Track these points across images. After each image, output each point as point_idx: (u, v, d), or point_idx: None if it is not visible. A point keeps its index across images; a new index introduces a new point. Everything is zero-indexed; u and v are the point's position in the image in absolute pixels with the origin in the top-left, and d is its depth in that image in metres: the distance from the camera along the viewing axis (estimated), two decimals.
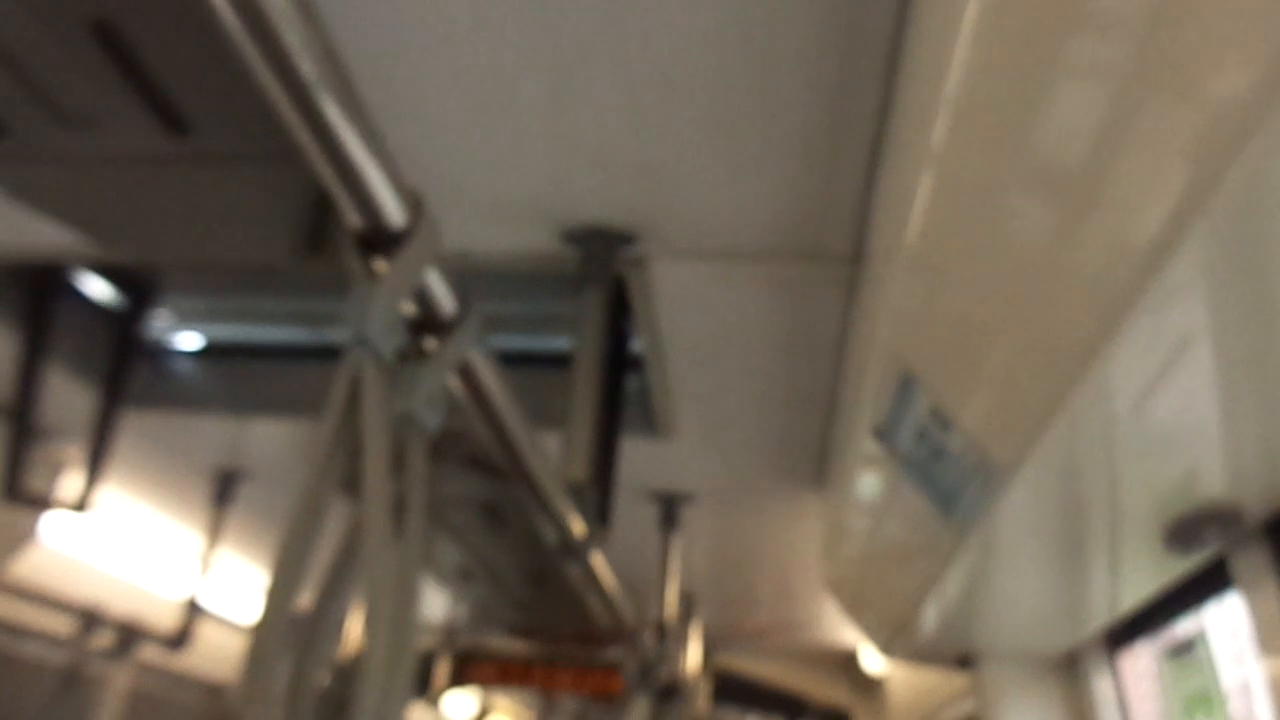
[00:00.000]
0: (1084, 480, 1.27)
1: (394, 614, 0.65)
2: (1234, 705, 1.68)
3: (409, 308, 0.77)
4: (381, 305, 0.64)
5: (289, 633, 0.62)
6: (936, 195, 1.10)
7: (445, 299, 0.78)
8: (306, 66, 0.55)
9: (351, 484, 0.71)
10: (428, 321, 0.79)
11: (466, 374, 0.87)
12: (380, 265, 0.71)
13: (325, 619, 0.66)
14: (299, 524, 0.60)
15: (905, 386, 1.39)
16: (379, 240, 0.69)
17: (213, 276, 2.41)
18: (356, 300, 0.64)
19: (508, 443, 1.02)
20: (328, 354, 2.50)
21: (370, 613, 0.59)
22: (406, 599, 0.66)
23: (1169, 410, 1.08)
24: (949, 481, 1.41)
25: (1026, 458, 1.21)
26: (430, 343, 0.81)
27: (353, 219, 0.68)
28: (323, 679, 0.67)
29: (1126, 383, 1.03)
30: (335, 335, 2.47)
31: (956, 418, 1.28)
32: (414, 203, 0.70)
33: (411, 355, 0.79)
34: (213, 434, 2.83)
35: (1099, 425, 1.12)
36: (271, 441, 2.90)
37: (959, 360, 1.24)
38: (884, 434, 1.57)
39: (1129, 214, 0.84)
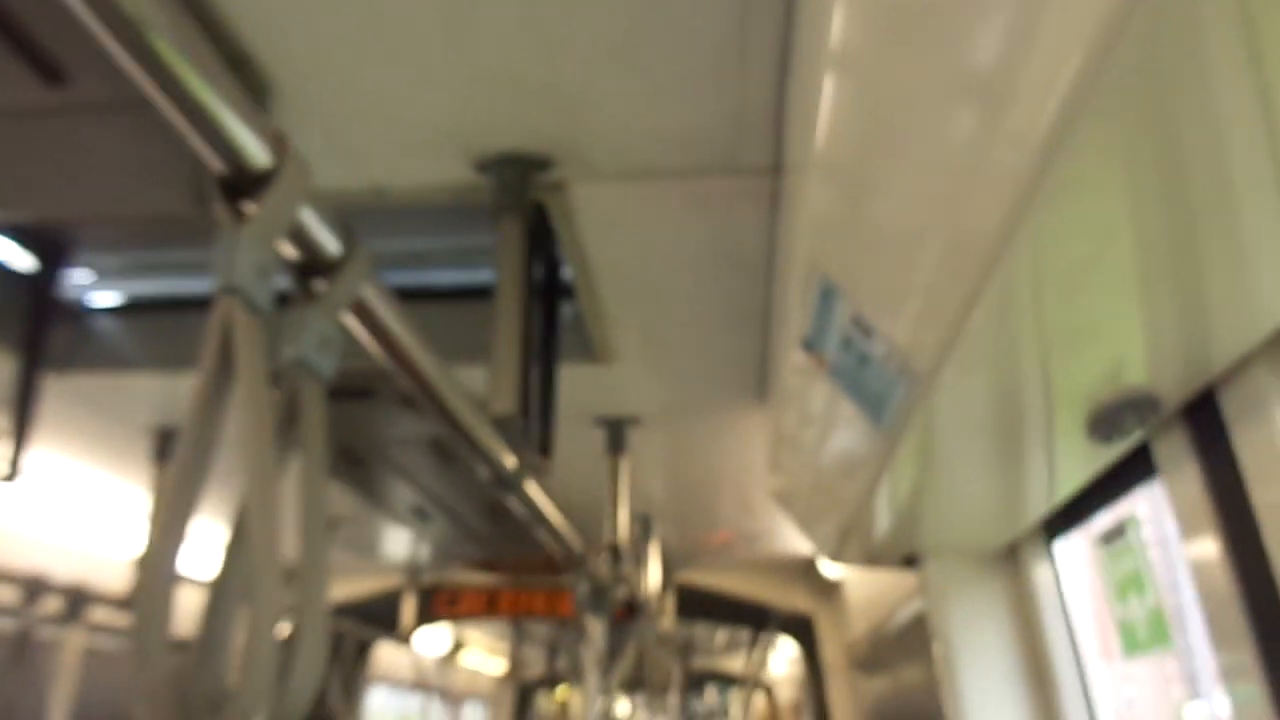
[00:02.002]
0: (1005, 377, 1.29)
1: (304, 562, 0.65)
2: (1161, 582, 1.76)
3: (289, 251, 0.75)
4: (249, 250, 0.62)
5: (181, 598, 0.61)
6: (841, 99, 1.09)
7: (327, 239, 0.76)
8: (134, 5, 0.52)
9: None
10: (312, 264, 0.77)
11: (362, 314, 0.85)
12: (248, 209, 0.68)
13: (227, 582, 0.65)
14: (177, 481, 0.59)
15: (826, 296, 1.39)
16: (243, 184, 0.67)
17: (127, 231, 2.33)
18: (222, 247, 0.62)
19: (419, 380, 1.01)
20: None
21: (259, 575, 0.58)
22: (312, 554, 0.65)
23: (1084, 303, 1.09)
24: (876, 388, 1.43)
25: (947, 360, 1.22)
26: (319, 285, 0.79)
27: (214, 164, 0.65)
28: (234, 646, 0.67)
29: (1039, 278, 1.03)
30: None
31: (877, 324, 1.28)
32: (278, 143, 0.68)
33: (299, 300, 0.78)
34: (146, 391, 2.77)
35: (1015, 322, 1.13)
36: None
37: (875, 266, 1.24)
38: (812, 345, 1.57)
39: (1027, 103, 0.83)
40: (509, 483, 1.41)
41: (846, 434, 1.75)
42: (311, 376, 0.71)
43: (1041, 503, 1.89)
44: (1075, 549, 2.13)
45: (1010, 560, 2.27)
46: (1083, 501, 1.85)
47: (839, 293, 1.35)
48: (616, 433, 2.91)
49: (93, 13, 0.51)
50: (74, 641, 2.98)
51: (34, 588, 2.80)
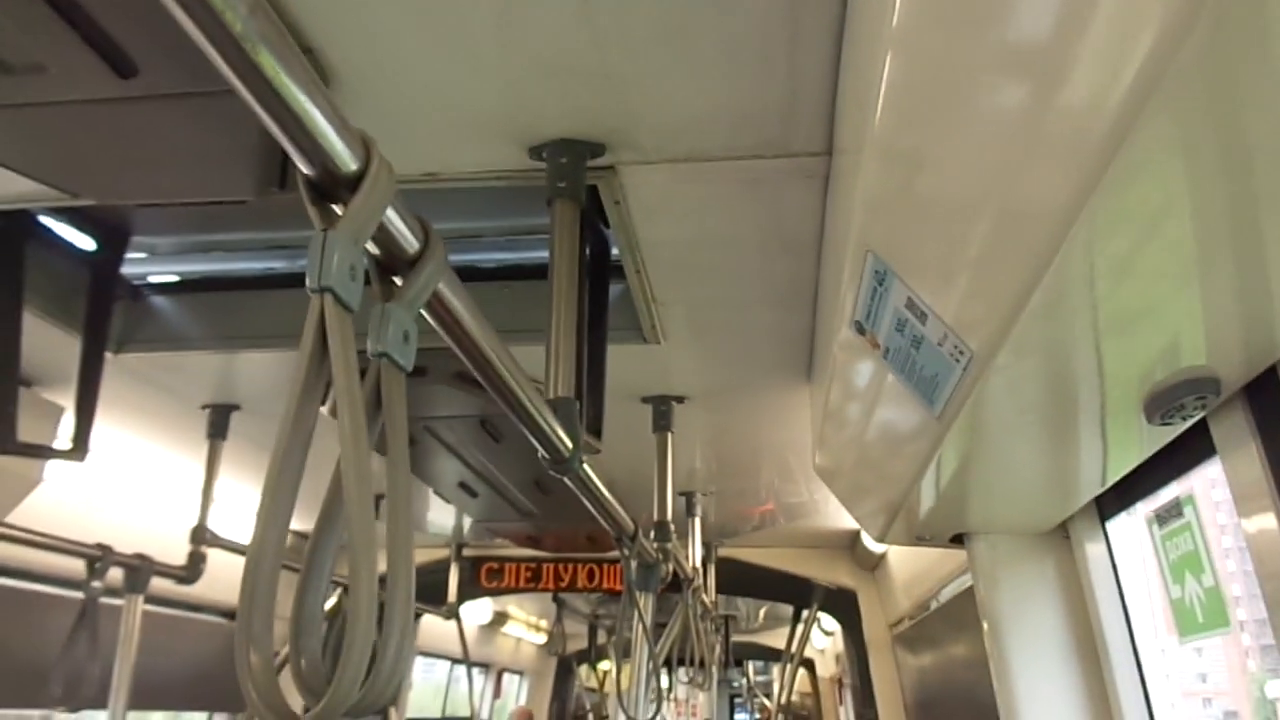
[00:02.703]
0: (1062, 359, 1.29)
1: (391, 545, 0.68)
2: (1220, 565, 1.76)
3: (372, 248, 0.78)
4: (340, 252, 0.65)
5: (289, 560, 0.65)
6: (899, 79, 1.09)
7: (408, 237, 0.79)
8: (236, 16, 0.55)
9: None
10: (392, 260, 0.80)
11: (436, 306, 0.88)
12: (337, 211, 0.72)
13: (318, 560, 0.69)
14: (279, 466, 0.63)
15: (880, 278, 1.40)
16: (333, 186, 0.70)
17: (185, 213, 2.40)
18: (315, 248, 0.65)
19: (487, 366, 1.05)
20: (303, 282, 2.51)
21: (355, 545, 0.62)
22: (399, 531, 0.69)
23: (1145, 284, 1.09)
24: (929, 371, 1.44)
25: (1003, 342, 1.23)
26: (397, 280, 0.82)
27: (304, 167, 0.68)
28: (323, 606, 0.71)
29: (1100, 259, 1.03)
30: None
31: (932, 306, 1.29)
32: (364, 146, 0.71)
33: (380, 294, 0.81)
34: (201, 369, 2.85)
35: (1074, 304, 1.13)
36: (260, 373, 2.92)
37: (931, 248, 1.25)
38: (863, 327, 1.59)
39: (1093, 85, 0.83)
40: (567, 464, 1.45)
41: (897, 414, 1.77)
42: (394, 368, 0.75)
43: (1095, 482, 1.90)
44: (1131, 528, 2.13)
45: (1062, 539, 2.28)
46: (1137, 479, 1.85)
47: (893, 275, 1.36)
48: (663, 411, 2.95)
49: (201, 31, 0.54)
50: (135, 609, 3.10)
51: (98, 558, 2.90)
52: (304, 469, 0.65)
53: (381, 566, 0.64)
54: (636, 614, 2.51)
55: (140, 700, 3.14)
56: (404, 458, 0.72)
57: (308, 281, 0.65)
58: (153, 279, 2.64)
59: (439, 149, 1.65)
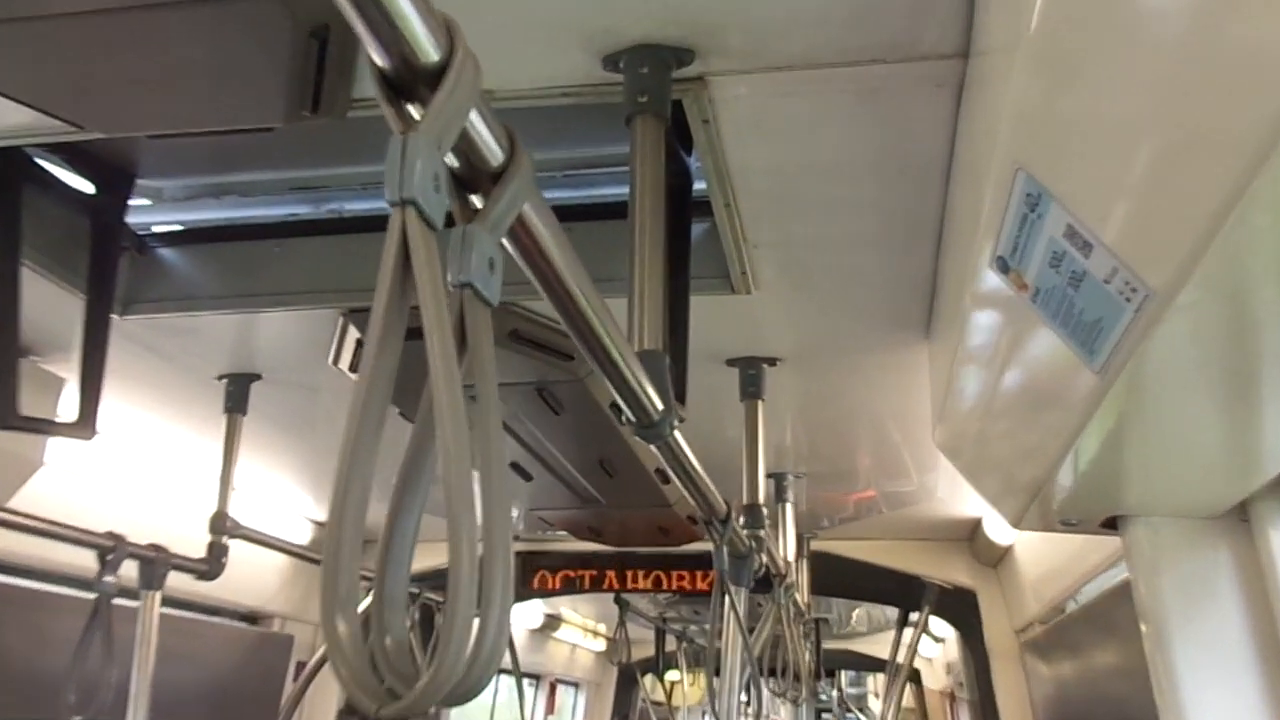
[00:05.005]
0: (1257, 302, 1.25)
1: (485, 507, 0.68)
2: None
3: (450, 160, 0.77)
4: (424, 157, 0.64)
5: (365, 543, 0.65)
6: None
7: (491, 146, 0.78)
8: None
9: (402, 393, 0.73)
10: (473, 174, 0.79)
11: (519, 232, 0.87)
12: (414, 114, 0.71)
13: (401, 524, 0.69)
14: (360, 414, 0.63)
15: (1032, 202, 1.37)
16: (412, 81, 0.69)
17: (194, 151, 2.42)
18: (394, 155, 0.64)
19: (574, 308, 1.04)
20: (332, 229, 2.53)
21: (453, 509, 0.61)
22: (493, 491, 0.69)
23: None
24: (1092, 315, 1.40)
25: (1186, 281, 1.19)
26: (477, 199, 0.81)
27: (378, 58, 0.67)
28: (406, 588, 0.71)
29: None
30: (346, 204, 2.48)
31: (1100, 235, 1.26)
32: (448, 33, 0.69)
33: (460, 215, 0.80)
34: (217, 334, 2.90)
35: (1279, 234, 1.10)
36: (283, 337, 2.97)
37: (1101, 164, 1.21)
38: (1008, 263, 1.55)
39: None
40: (656, 428, 1.44)
41: (1045, 370, 1.73)
42: (479, 301, 0.74)
43: None
44: None
45: (1239, 522, 2.21)
46: None
47: (1049, 198, 1.33)
48: (752, 375, 2.93)
49: None
50: (152, 607, 3.19)
51: (111, 549, 2.98)
52: (387, 411, 0.65)
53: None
54: (729, 612, 2.51)
55: (158, 716, 3.24)
56: (495, 405, 0.71)
57: (386, 194, 0.65)
58: (159, 229, 2.68)
59: (498, 60, 1.63)
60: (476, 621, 0.62)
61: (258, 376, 3.21)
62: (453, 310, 0.73)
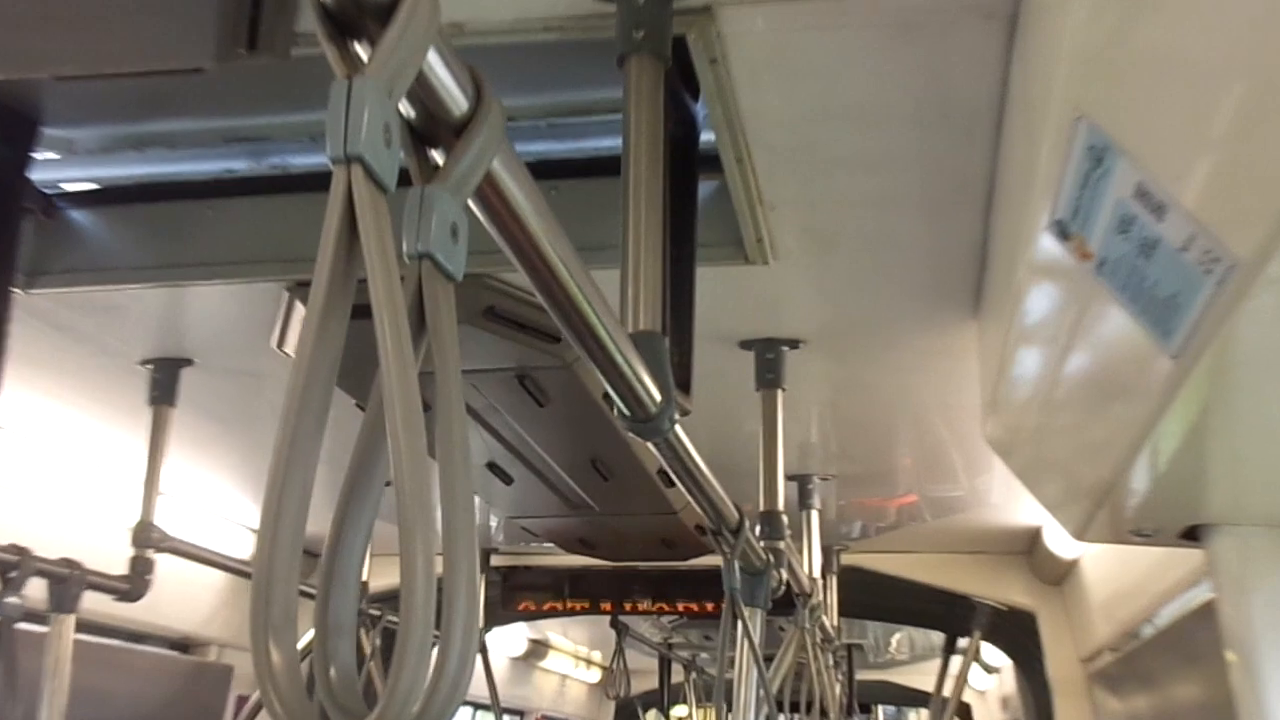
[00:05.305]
0: None
1: (446, 513, 0.68)
2: None
3: (404, 108, 0.77)
4: (372, 106, 0.64)
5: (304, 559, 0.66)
6: None
7: (454, 92, 0.78)
8: None
9: (350, 372, 0.73)
10: (432, 126, 0.79)
11: (488, 193, 0.87)
12: (364, 51, 0.71)
13: (349, 534, 0.69)
14: (296, 411, 0.63)
15: (1096, 156, 1.38)
16: (358, 14, 0.69)
17: (111, 96, 2.42)
18: (337, 102, 0.64)
19: (553, 281, 1.04)
20: (275, 187, 2.53)
21: (405, 514, 0.61)
22: (456, 494, 0.69)
23: None
24: (1167, 289, 1.41)
25: (1277, 249, 1.20)
26: (438, 155, 0.81)
27: None
28: (353, 611, 0.71)
29: None
30: (291, 158, 2.48)
31: (1177, 195, 1.26)
32: None
33: (418, 174, 0.80)
34: (140, 310, 2.90)
35: None
36: (217, 315, 2.97)
37: (1179, 111, 1.22)
38: (1068, 228, 1.56)
39: None
40: (654, 423, 1.44)
41: (1113, 353, 1.74)
42: (441, 275, 0.74)
43: None
44: None
45: None
46: None
47: (1117, 151, 1.33)
48: (770, 360, 2.93)
49: None
50: (64, 633, 3.19)
51: (13, 564, 2.99)
52: (330, 403, 0.65)
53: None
54: (742, 638, 2.52)
55: None
56: (458, 394, 0.72)
57: (329, 149, 0.65)
58: (70, 187, 2.67)
59: None
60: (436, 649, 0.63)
61: (188, 362, 3.22)
62: (409, 285, 0.73)
